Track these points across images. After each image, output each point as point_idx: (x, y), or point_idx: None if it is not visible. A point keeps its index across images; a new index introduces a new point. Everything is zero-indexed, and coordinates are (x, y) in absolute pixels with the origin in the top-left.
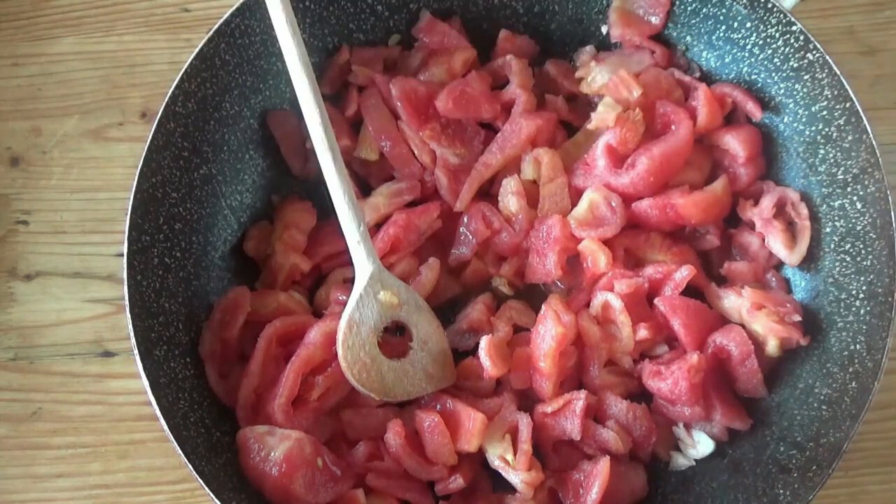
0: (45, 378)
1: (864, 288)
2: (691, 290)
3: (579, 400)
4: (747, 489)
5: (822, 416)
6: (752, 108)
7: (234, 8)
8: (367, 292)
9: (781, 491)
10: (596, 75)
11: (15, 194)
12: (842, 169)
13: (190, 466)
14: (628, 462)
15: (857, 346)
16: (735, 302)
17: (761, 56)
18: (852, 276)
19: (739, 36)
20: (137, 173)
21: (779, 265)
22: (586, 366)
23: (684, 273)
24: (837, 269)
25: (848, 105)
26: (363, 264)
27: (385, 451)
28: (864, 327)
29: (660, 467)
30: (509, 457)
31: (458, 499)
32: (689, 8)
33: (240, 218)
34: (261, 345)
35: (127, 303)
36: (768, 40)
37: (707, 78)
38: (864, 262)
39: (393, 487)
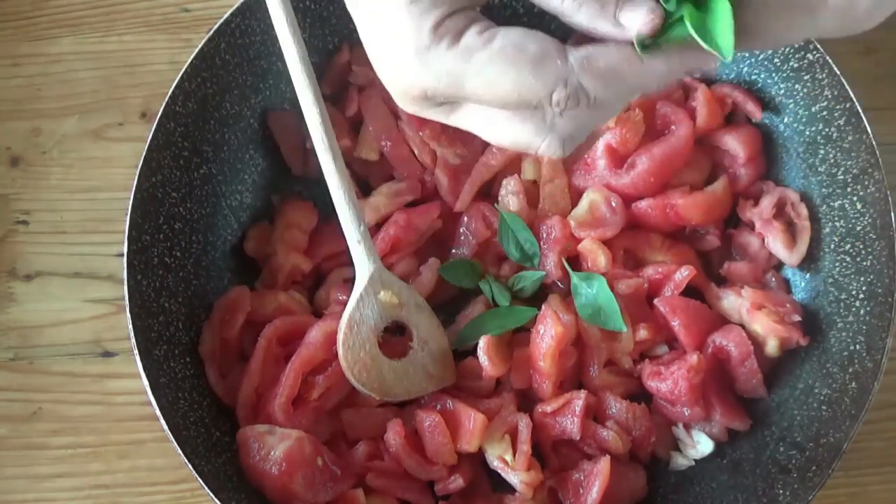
0: (45, 378)
1: (864, 288)
2: (691, 291)
3: (579, 400)
4: (747, 489)
5: (822, 416)
6: (752, 108)
7: (234, 8)
8: (368, 292)
9: (781, 491)
10: None
11: (15, 194)
12: (842, 169)
13: (190, 466)
14: (628, 462)
15: (857, 347)
16: (735, 302)
17: (761, 56)
18: (852, 276)
19: None
20: (137, 173)
21: (779, 265)
22: (586, 366)
23: (684, 273)
24: (837, 269)
25: (848, 105)
26: (363, 264)
27: (385, 451)
28: (864, 327)
29: (660, 467)
30: (508, 457)
31: (457, 499)
32: None
33: (240, 218)
34: (261, 344)
35: (127, 303)
36: None
37: (707, 78)
38: (864, 263)
39: (393, 487)
